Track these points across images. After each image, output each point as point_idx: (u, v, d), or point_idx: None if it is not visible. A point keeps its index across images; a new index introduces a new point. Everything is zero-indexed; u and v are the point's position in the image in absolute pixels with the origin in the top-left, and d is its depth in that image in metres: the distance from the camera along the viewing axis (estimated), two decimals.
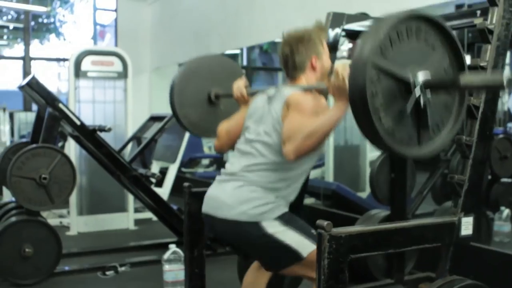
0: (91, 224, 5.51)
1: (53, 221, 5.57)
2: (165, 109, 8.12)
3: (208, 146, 9.56)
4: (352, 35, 3.44)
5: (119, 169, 4.15)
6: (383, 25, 1.66)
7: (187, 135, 6.20)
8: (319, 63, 2.30)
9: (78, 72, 5.39)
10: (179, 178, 7.19)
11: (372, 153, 6.19)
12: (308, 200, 5.62)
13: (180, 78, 2.84)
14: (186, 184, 2.88)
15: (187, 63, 2.88)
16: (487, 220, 4.30)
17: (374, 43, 1.63)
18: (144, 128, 4.70)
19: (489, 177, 5.42)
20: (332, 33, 3.30)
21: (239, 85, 2.57)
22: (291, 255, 2.12)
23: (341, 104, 1.95)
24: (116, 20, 9.18)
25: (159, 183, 6.02)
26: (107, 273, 4.03)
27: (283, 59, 2.32)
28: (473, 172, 2.11)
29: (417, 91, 1.67)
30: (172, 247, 3.53)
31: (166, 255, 3.50)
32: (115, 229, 5.58)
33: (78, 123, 3.98)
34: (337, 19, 3.26)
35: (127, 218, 5.66)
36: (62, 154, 3.84)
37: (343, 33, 3.40)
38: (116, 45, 9.00)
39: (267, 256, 2.21)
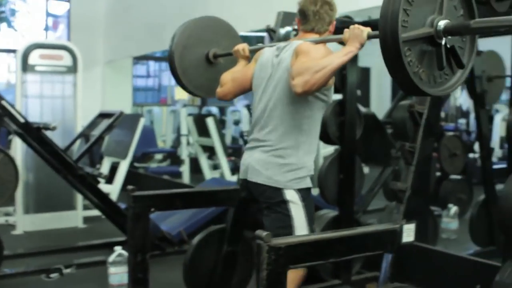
0: (38, 222, 5.35)
1: None
2: (119, 102, 8.14)
3: (162, 139, 9.46)
4: None
5: (65, 168, 4.04)
6: None
7: (139, 130, 6.09)
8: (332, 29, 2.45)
9: (26, 66, 5.22)
10: (132, 174, 7.09)
11: (325, 149, 6.20)
12: None
13: (176, 45, 2.82)
14: (129, 187, 2.81)
15: (179, 28, 2.88)
16: (434, 219, 4.35)
17: None
18: (92, 125, 4.58)
19: (438, 174, 5.51)
20: (282, 31, 3.26)
21: (243, 45, 2.67)
22: (288, 230, 2.25)
23: (352, 47, 2.08)
24: (69, 11, 8.95)
25: (110, 180, 5.91)
26: (51, 275, 3.91)
27: (304, 10, 2.43)
28: (414, 179, 2.11)
29: (441, 41, 1.79)
30: (118, 249, 3.45)
31: (111, 258, 3.43)
32: (63, 228, 5.43)
33: (22, 120, 3.84)
34: (287, 18, 3.22)
35: (76, 216, 5.52)
36: (4, 153, 3.71)
37: (294, 33, 3.36)
38: (68, 36, 8.78)
39: (272, 221, 2.30)
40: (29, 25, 11.25)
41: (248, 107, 9.69)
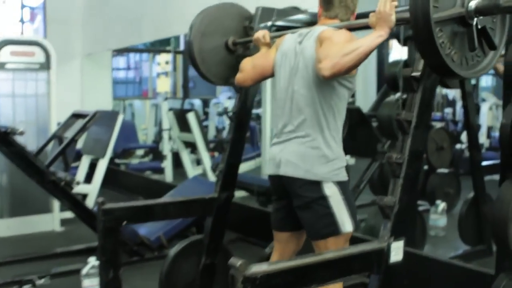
0: (14, 227, 5.13)
1: None
2: (99, 96, 7.91)
3: (144, 133, 9.24)
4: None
5: (36, 173, 3.84)
6: None
7: (117, 127, 5.88)
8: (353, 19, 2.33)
9: None
10: (112, 171, 6.90)
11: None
12: (239, 193, 5.45)
13: (195, 32, 2.79)
14: (99, 199, 2.63)
15: (198, 16, 2.85)
16: (422, 218, 4.21)
17: None
18: (66, 125, 4.38)
19: (426, 167, 5.39)
20: (262, 27, 3.07)
21: (264, 31, 2.59)
22: (333, 227, 2.17)
23: (382, 31, 1.97)
24: (44, 2, 8.66)
25: (89, 178, 5.72)
26: (24, 287, 3.73)
27: None
28: (403, 193, 1.94)
29: (472, 21, 1.77)
30: (91, 261, 3.28)
31: (85, 270, 3.26)
32: (40, 232, 5.23)
33: None
34: (266, 14, 3.03)
35: (52, 219, 5.31)
36: None
37: (274, 29, 3.19)
38: (45, 29, 8.49)
39: (314, 219, 2.20)
40: (4, 17, 10.89)
41: (230, 98, 9.52)
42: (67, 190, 3.88)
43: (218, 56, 2.85)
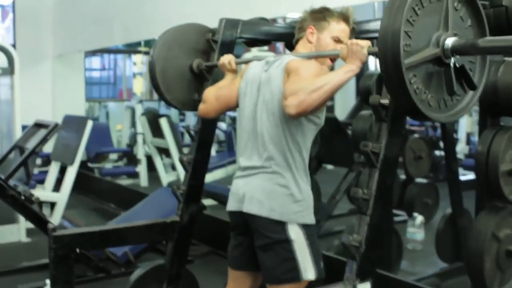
0: None
1: None
2: (71, 98, 7.68)
3: (119, 134, 9.02)
4: (249, 43, 3.07)
5: None
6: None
7: (86, 133, 5.67)
8: (314, 37, 2.16)
9: None
10: (84, 176, 6.70)
11: None
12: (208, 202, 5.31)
13: (157, 59, 2.62)
14: (50, 225, 2.45)
15: (158, 40, 2.66)
16: (397, 234, 4.07)
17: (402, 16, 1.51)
18: (27, 135, 4.17)
19: (403, 177, 5.28)
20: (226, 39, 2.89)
21: (229, 57, 2.42)
22: (294, 273, 2.01)
23: (353, 65, 1.85)
24: (13, 1, 8.39)
25: (59, 184, 5.51)
26: None
27: None
28: (370, 232, 1.79)
29: (450, 60, 1.61)
30: (48, 283, 3.09)
31: None
32: (4, 243, 5.02)
33: None
34: (230, 25, 2.86)
35: (18, 229, 5.11)
36: None
37: (241, 40, 3.02)
38: (14, 29, 8.23)
39: (275, 263, 2.03)
40: None
41: None
42: (27, 205, 3.68)
43: (184, 81, 2.68)
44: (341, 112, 8.09)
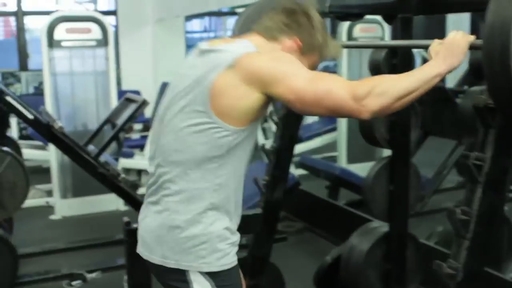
0: (77, 207, 5.08)
1: (38, 201, 5.20)
2: (171, 63, 7.64)
3: None
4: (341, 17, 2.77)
5: (85, 165, 3.64)
6: None
7: None
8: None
9: (52, 42, 4.79)
10: None
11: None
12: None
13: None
14: (124, 219, 2.35)
15: (241, 15, 2.40)
16: (510, 226, 3.59)
17: None
18: (118, 110, 4.12)
19: None
20: None
21: None
22: None
23: (445, 66, 1.40)
24: None
25: None
26: (73, 283, 3.59)
27: None
28: (469, 259, 1.50)
29: None
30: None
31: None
32: (104, 211, 5.14)
33: (31, 117, 3.43)
34: None
35: (116, 198, 5.17)
36: (12, 156, 3.34)
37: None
38: None
39: None
40: None
41: None
42: (115, 183, 3.66)
43: None
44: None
